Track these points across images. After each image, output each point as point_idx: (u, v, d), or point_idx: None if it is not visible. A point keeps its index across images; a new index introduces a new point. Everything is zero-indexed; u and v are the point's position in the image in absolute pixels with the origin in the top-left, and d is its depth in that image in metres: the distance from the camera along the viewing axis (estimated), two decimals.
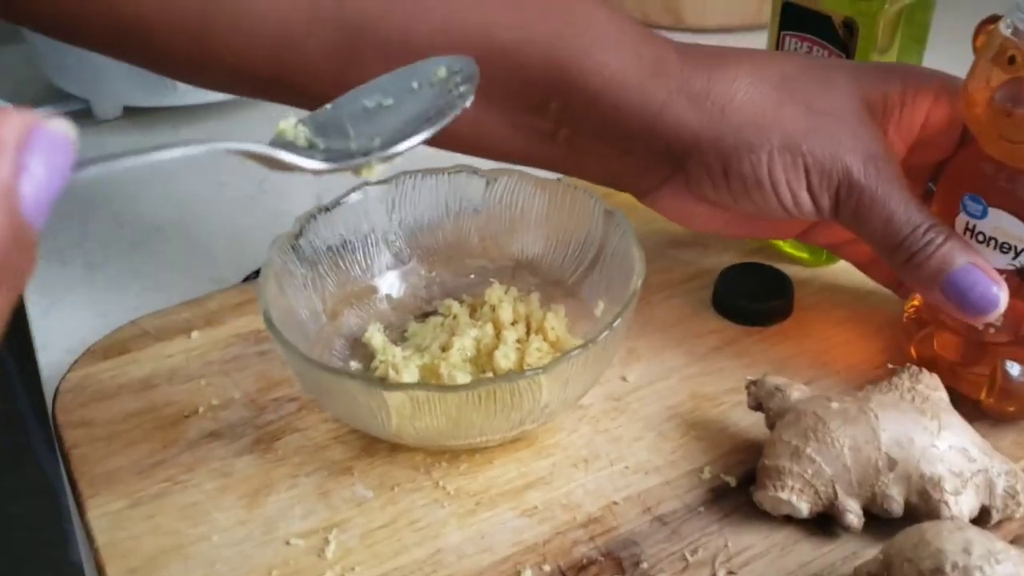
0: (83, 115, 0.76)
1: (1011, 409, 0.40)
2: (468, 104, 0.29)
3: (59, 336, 0.53)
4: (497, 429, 0.40)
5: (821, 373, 0.46)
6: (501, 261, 0.51)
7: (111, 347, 0.49)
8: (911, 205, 0.39)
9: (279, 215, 0.63)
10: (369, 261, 0.49)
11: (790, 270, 0.51)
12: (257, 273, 0.56)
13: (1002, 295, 0.36)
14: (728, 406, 0.45)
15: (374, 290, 0.50)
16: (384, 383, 0.39)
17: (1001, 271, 0.37)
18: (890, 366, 0.41)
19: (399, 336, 0.49)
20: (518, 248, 0.51)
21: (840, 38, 0.47)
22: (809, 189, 0.41)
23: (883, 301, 0.50)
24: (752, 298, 0.49)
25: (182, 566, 0.39)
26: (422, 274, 0.51)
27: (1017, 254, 0.36)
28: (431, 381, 0.44)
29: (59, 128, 0.20)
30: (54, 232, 0.63)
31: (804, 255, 0.53)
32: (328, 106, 0.30)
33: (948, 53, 0.72)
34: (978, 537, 0.33)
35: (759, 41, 0.82)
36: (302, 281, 0.46)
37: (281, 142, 0.32)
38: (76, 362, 0.48)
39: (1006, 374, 0.38)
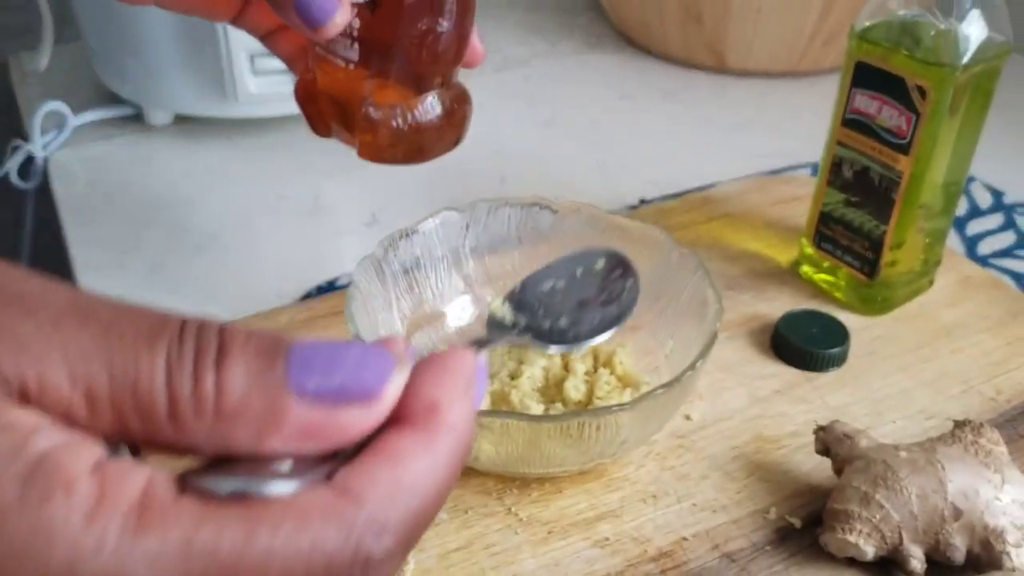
0: (134, 120, 0.77)
1: (380, 150, 0.40)
2: (637, 296, 0.37)
3: None
4: (574, 460, 0.41)
5: (877, 421, 0.48)
6: None
7: None
8: None
9: (336, 232, 0.65)
10: (441, 285, 0.51)
11: (845, 319, 0.53)
12: (319, 290, 0.58)
13: (339, 10, 0.36)
14: (790, 449, 0.46)
15: (443, 315, 0.51)
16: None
17: (356, 4, 0.38)
18: (951, 420, 0.43)
19: None
20: None
21: (912, 101, 0.48)
22: None
23: (931, 356, 0.52)
24: (811, 344, 0.50)
25: None
26: (490, 300, 0.52)
27: None
28: (502, 408, 0.46)
29: (483, 360, 0.24)
30: (111, 235, 0.63)
31: (859, 304, 0.55)
32: (518, 287, 0.38)
33: (1008, 117, 0.75)
34: None
35: (800, 87, 0.84)
36: (383, 302, 0.47)
37: (496, 319, 0.40)
38: None
39: (367, 114, 0.39)
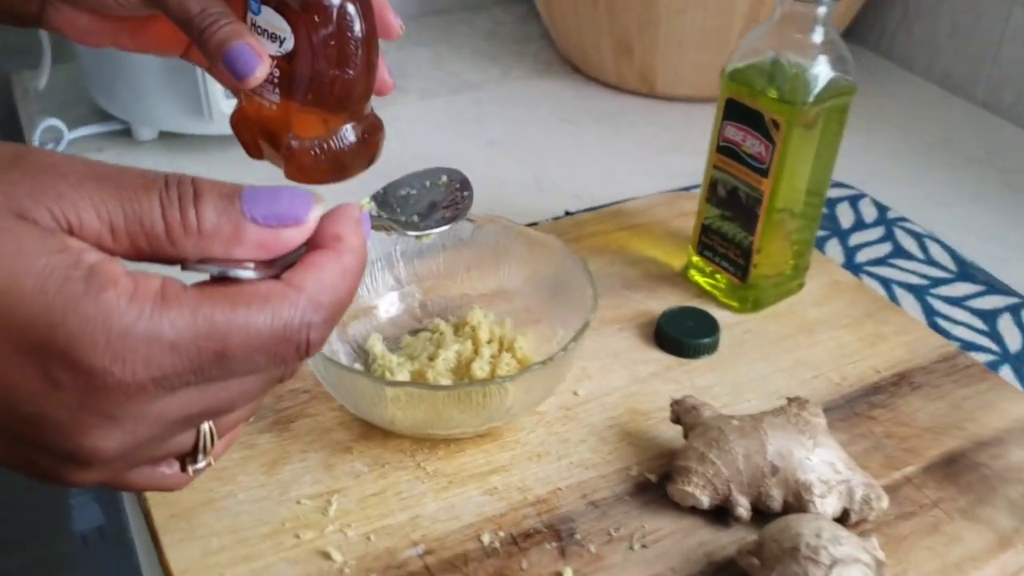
0: (122, 135, 0.86)
1: (303, 173, 0.47)
2: (471, 204, 0.45)
3: None
4: (470, 423, 0.51)
5: (736, 399, 0.57)
6: (482, 290, 0.62)
7: None
8: None
9: None
10: (375, 283, 0.60)
11: (721, 315, 0.62)
12: None
13: (260, 65, 0.44)
14: (657, 420, 0.55)
15: (375, 307, 0.60)
16: (386, 380, 0.49)
17: (275, 56, 0.45)
18: (786, 398, 0.52)
19: (395, 346, 0.59)
20: (498, 281, 0.61)
21: (769, 132, 0.58)
22: None
23: (792, 347, 0.61)
24: (686, 335, 0.60)
25: (214, 516, 0.49)
26: (417, 296, 0.62)
27: (282, 43, 0.44)
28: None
29: (365, 211, 0.34)
30: None
31: (734, 303, 0.64)
32: (381, 191, 0.46)
33: (907, 140, 0.85)
34: (827, 525, 0.44)
35: None
36: None
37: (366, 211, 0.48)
38: None
39: (289, 144, 0.46)
